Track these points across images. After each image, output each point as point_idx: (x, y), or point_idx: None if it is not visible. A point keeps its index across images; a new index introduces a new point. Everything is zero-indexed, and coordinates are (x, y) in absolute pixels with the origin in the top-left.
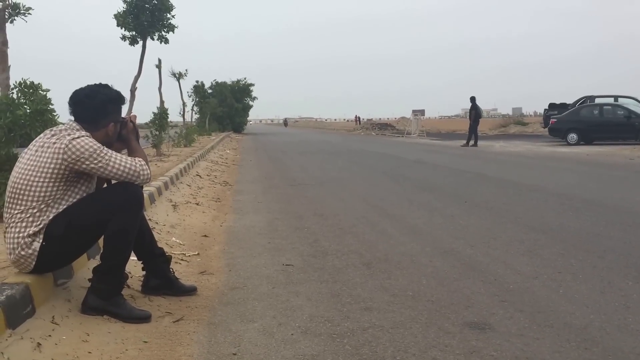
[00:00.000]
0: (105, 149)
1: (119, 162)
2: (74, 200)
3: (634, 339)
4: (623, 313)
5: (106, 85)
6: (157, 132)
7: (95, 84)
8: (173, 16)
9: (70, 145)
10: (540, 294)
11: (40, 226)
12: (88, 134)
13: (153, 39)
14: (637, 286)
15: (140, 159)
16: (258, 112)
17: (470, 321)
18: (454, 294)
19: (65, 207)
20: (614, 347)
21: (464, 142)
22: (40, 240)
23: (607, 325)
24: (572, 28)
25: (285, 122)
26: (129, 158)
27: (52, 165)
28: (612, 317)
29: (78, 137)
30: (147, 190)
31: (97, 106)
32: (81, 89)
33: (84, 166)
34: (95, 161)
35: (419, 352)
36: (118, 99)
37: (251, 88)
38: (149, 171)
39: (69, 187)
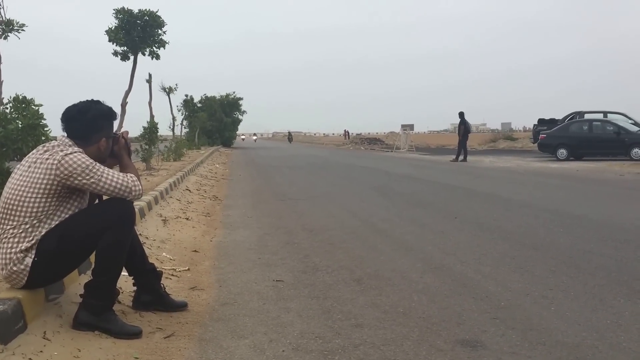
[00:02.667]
0: (98, 164)
1: (111, 178)
2: (67, 215)
3: (626, 357)
4: (615, 331)
5: (98, 101)
6: (147, 146)
7: (87, 100)
8: (164, 32)
9: (63, 161)
10: (531, 311)
11: (33, 242)
12: (81, 150)
13: (144, 55)
14: (628, 304)
15: (132, 175)
16: (247, 127)
17: (461, 338)
18: (445, 310)
19: (57, 222)
20: None
21: (454, 157)
22: (33, 256)
23: (599, 344)
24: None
25: (290, 137)
26: (121, 174)
27: (44, 181)
28: (604, 335)
29: (71, 153)
30: (137, 204)
31: (88, 122)
32: (73, 105)
33: (76, 182)
34: (88, 177)
35: None
36: (110, 114)
37: (240, 102)
38: (140, 187)
39: (61, 203)
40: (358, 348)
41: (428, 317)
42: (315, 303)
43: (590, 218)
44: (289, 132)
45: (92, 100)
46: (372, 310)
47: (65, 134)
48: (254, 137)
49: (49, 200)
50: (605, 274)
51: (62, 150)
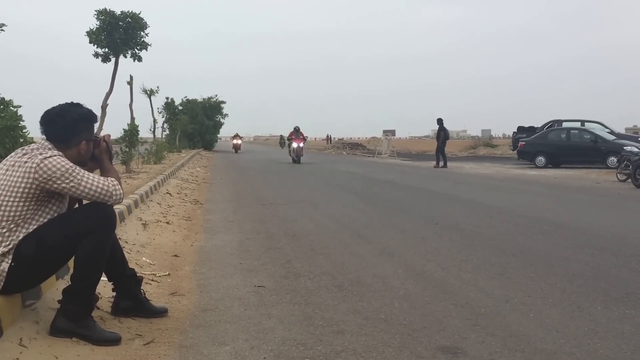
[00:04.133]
0: (78, 168)
1: (91, 181)
2: (45, 220)
3: None
4: (592, 338)
5: (78, 104)
6: (127, 149)
7: (66, 103)
8: (147, 34)
9: (42, 165)
10: (511, 318)
11: (10, 246)
12: (60, 153)
13: (126, 57)
14: (605, 311)
15: (113, 179)
16: (228, 130)
17: (442, 345)
18: (426, 317)
19: (35, 226)
20: None
21: (435, 163)
22: (9, 261)
23: (577, 351)
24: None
25: (282, 142)
26: (102, 178)
27: (23, 185)
28: (581, 342)
29: (50, 157)
30: (117, 208)
31: (68, 125)
32: (52, 108)
33: (55, 186)
34: (67, 181)
35: None
36: (89, 117)
37: (222, 105)
38: (121, 191)
39: (39, 207)
40: (340, 355)
41: (409, 323)
42: (297, 309)
43: (568, 225)
44: (281, 136)
45: (72, 103)
46: (353, 317)
47: (45, 137)
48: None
49: (27, 204)
50: (582, 281)
51: (41, 154)
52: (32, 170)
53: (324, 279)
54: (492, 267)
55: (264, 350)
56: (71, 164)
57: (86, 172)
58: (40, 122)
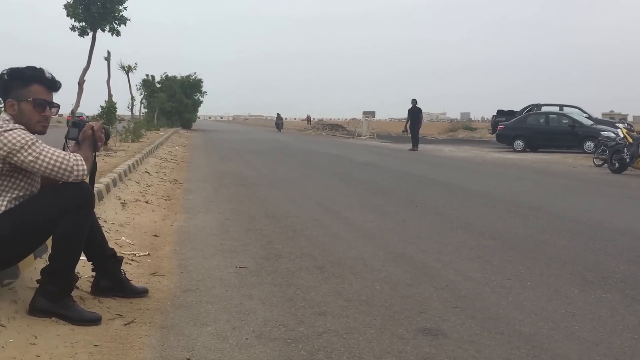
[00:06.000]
0: (39, 142)
1: (50, 155)
2: (14, 196)
3: (580, 347)
4: (570, 321)
5: (26, 67)
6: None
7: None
8: (125, 8)
9: (1, 137)
10: (490, 301)
11: None
12: (22, 127)
13: (104, 31)
14: (582, 294)
15: (78, 155)
16: (207, 109)
17: (423, 327)
18: (407, 299)
19: (6, 203)
20: (561, 355)
21: (412, 146)
22: None
23: (554, 333)
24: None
25: (279, 122)
26: (64, 152)
27: None
28: (559, 324)
29: (10, 129)
30: (95, 187)
31: (3, 81)
32: None
33: (15, 159)
34: (26, 153)
35: (374, 358)
36: (19, 73)
37: (201, 84)
38: (84, 169)
39: (6, 182)
40: (322, 336)
41: (390, 305)
42: (279, 290)
43: (545, 209)
44: (278, 114)
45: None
46: (335, 299)
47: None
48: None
49: None
50: (560, 264)
51: (0, 127)
52: None
53: (305, 261)
54: (471, 250)
55: (245, 331)
56: (32, 137)
57: (47, 146)
58: None
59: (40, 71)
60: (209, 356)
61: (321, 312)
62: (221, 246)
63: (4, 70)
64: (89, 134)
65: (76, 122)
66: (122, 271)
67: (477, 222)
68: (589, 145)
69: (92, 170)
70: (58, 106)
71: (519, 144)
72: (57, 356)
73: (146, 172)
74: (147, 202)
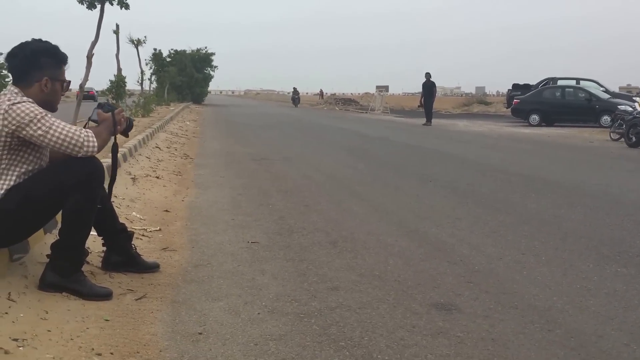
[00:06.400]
0: (48, 115)
1: (60, 129)
2: (23, 170)
3: (595, 321)
4: (584, 295)
5: (42, 40)
6: (114, 101)
7: (32, 39)
8: None
9: (10, 111)
10: (504, 276)
11: None
12: (30, 100)
13: (112, 4)
14: (597, 269)
15: (89, 131)
16: (218, 84)
17: (436, 302)
18: (421, 274)
19: (14, 178)
20: (576, 329)
21: (425, 121)
22: None
23: (569, 307)
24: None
25: (295, 97)
26: (75, 127)
27: None
28: (573, 299)
29: (19, 102)
30: (104, 161)
31: (27, 56)
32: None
33: (24, 132)
34: (35, 127)
35: (387, 333)
36: (54, 52)
37: (212, 57)
38: (94, 145)
39: (15, 156)
40: (334, 311)
41: (403, 280)
42: (291, 265)
43: (561, 184)
44: (294, 89)
45: (37, 38)
46: (347, 273)
47: (10, 78)
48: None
49: (1, 153)
50: (575, 239)
51: (9, 100)
52: (0, 117)
53: (318, 236)
54: (485, 225)
55: (257, 306)
56: (41, 110)
57: (57, 120)
58: (5, 59)
59: (62, 52)
60: (220, 331)
61: (334, 287)
62: (233, 221)
63: (34, 46)
64: (107, 116)
65: (102, 104)
66: (133, 246)
67: (491, 197)
68: (606, 119)
69: (114, 151)
70: (70, 83)
71: (535, 118)
72: (69, 331)
73: (157, 147)
74: (157, 178)
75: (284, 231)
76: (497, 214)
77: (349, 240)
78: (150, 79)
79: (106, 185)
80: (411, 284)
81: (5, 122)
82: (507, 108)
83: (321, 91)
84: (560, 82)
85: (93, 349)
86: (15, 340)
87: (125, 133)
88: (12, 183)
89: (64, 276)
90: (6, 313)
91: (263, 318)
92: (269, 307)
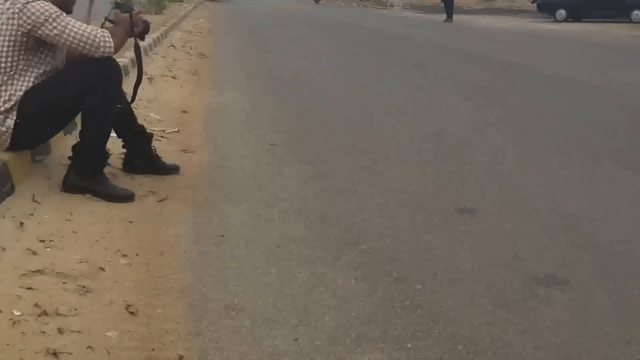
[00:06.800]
0: (64, 14)
1: (76, 28)
2: (40, 71)
3: (621, 226)
4: (612, 202)
5: None
6: None
7: None
8: None
9: (25, 10)
10: (528, 181)
11: (12, 102)
12: None
13: None
14: (622, 173)
15: (105, 31)
16: None
17: (459, 206)
18: (442, 178)
19: (32, 79)
20: (600, 233)
21: (446, 17)
22: (14, 117)
23: (594, 212)
24: None
25: None
26: (90, 27)
27: (8, 33)
28: (600, 205)
29: (33, 1)
30: (120, 62)
31: None
32: None
33: (39, 32)
34: (51, 26)
35: (410, 237)
36: None
37: None
38: (111, 45)
39: (31, 57)
40: (355, 214)
41: (425, 184)
42: (311, 168)
43: (589, 84)
44: None
45: None
46: (368, 176)
47: None
48: None
49: (15, 53)
50: (602, 142)
51: None
52: (15, 16)
53: (339, 138)
54: (509, 128)
55: (278, 209)
56: (56, 9)
57: (73, 20)
58: None
59: None
60: (242, 233)
61: (354, 191)
62: (251, 123)
63: None
64: (125, 17)
65: (120, 4)
66: (153, 148)
67: (516, 99)
68: (637, 14)
69: (137, 52)
70: None
71: (562, 13)
72: (93, 232)
73: (172, 45)
74: (174, 78)
75: (304, 133)
76: (521, 117)
77: (369, 143)
78: None
79: (130, 87)
80: (433, 188)
81: (20, 22)
82: (532, 2)
83: None
84: None
85: (119, 250)
86: (42, 241)
87: (142, 36)
88: (30, 85)
89: (86, 178)
90: (32, 214)
91: (284, 220)
92: (290, 209)
